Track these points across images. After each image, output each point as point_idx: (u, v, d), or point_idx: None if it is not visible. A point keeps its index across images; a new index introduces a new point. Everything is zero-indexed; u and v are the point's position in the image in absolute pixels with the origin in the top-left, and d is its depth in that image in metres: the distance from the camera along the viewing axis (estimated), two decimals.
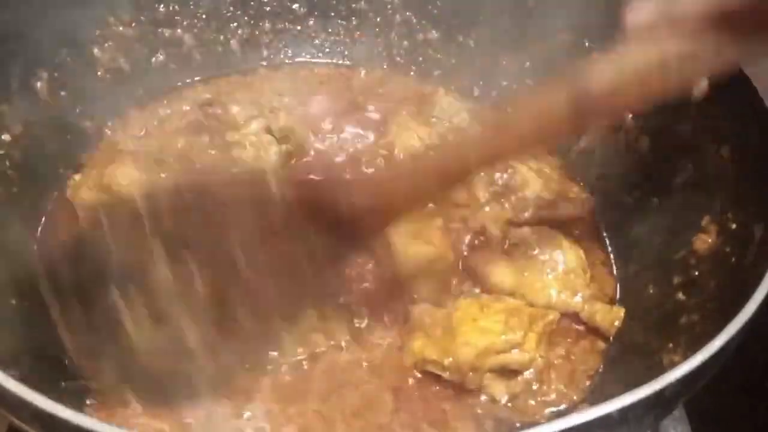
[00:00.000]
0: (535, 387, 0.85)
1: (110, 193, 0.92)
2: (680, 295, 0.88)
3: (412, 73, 1.26)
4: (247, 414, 0.82)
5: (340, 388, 0.85)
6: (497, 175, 1.04)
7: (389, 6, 1.25)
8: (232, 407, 0.82)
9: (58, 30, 1.04)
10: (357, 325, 0.91)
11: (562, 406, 0.86)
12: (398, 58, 1.27)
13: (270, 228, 0.79)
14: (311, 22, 1.28)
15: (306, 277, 0.82)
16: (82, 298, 0.78)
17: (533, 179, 1.04)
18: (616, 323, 0.91)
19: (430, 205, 1.02)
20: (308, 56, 1.28)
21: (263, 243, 0.79)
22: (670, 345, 0.82)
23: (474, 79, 1.21)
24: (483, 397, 0.85)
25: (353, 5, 1.26)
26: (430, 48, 1.25)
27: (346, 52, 1.28)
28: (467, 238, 1.00)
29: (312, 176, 0.87)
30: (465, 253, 0.98)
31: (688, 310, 0.84)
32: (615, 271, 1.00)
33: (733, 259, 0.83)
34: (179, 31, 1.21)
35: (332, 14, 1.27)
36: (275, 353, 0.86)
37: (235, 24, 1.25)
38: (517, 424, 0.84)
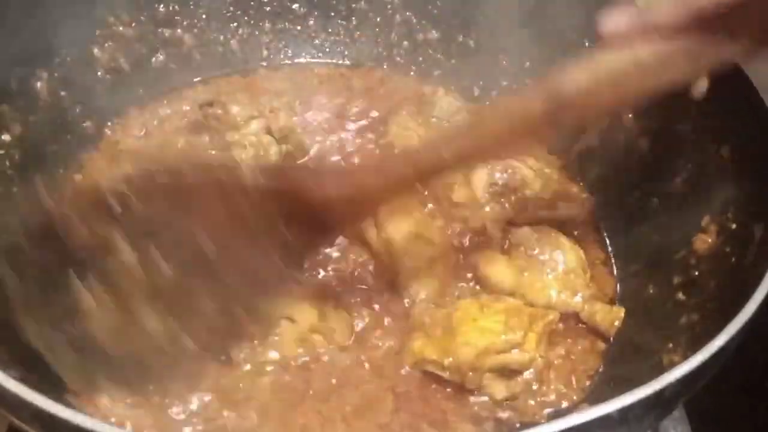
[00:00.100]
0: (534, 387, 0.85)
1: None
2: (680, 295, 0.88)
3: (412, 73, 1.26)
4: (227, 413, 0.82)
5: (340, 388, 0.85)
6: (497, 175, 1.04)
7: (389, 6, 1.25)
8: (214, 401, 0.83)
9: (58, 30, 1.04)
10: (357, 325, 0.91)
11: (562, 406, 0.86)
12: (398, 58, 1.27)
13: (240, 216, 0.78)
14: (311, 22, 1.28)
15: (273, 266, 0.81)
16: (44, 281, 0.77)
17: (533, 179, 1.04)
18: (616, 323, 0.91)
19: (430, 205, 1.03)
20: (308, 56, 1.28)
21: (232, 230, 0.79)
22: (670, 345, 0.82)
23: (474, 79, 1.21)
24: (483, 397, 0.85)
25: (353, 5, 1.26)
26: (430, 48, 1.25)
27: (346, 52, 1.28)
28: (467, 238, 1.00)
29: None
30: (465, 254, 0.98)
31: (688, 310, 0.84)
32: (615, 271, 1.00)
33: (733, 259, 0.83)
34: (179, 31, 1.21)
35: (332, 14, 1.27)
36: (276, 355, 0.86)
37: (235, 24, 1.25)
38: (517, 424, 0.84)
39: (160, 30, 1.19)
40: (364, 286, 0.94)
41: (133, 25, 1.16)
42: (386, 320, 0.92)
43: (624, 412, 0.60)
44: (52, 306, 0.77)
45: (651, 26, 0.67)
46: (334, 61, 1.28)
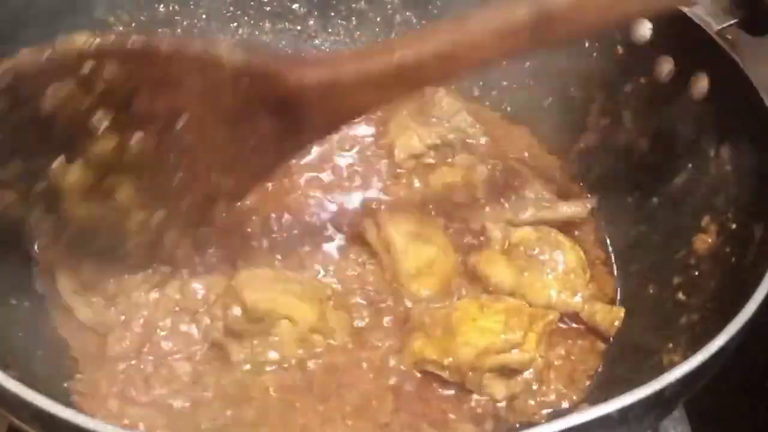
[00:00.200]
0: (534, 387, 0.85)
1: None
2: (680, 295, 0.88)
3: None
4: (227, 413, 0.82)
5: (340, 388, 0.85)
6: (497, 175, 1.04)
7: (389, 6, 1.25)
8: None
9: (59, 30, 1.04)
10: (357, 325, 0.91)
11: (562, 406, 0.86)
12: None
13: (216, 93, 0.77)
14: (311, 22, 1.28)
15: (248, 158, 0.82)
16: (23, 155, 0.78)
17: (533, 179, 1.04)
18: (616, 323, 0.91)
19: (430, 206, 1.03)
20: (308, 56, 1.28)
21: (208, 107, 0.79)
22: (670, 345, 0.82)
23: (474, 79, 1.21)
24: (483, 397, 0.85)
25: (353, 5, 1.26)
26: None
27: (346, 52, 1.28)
28: (467, 238, 1.00)
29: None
30: (465, 253, 0.98)
31: (688, 310, 0.84)
32: (615, 271, 1.00)
33: (733, 259, 0.83)
34: (179, 31, 1.21)
35: (332, 14, 1.27)
36: (276, 355, 0.86)
37: (235, 24, 1.25)
38: (517, 425, 0.84)
39: (160, 30, 1.19)
40: (364, 286, 0.94)
41: (133, 25, 1.16)
42: (386, 320, 0.91)
43: (624, 412, 0.60)
44: (31, 178, 0.78)
45: None
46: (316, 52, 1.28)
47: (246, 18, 1.25)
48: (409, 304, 0.92)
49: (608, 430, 0.60)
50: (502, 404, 0.84)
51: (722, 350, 0.65)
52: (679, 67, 0.95)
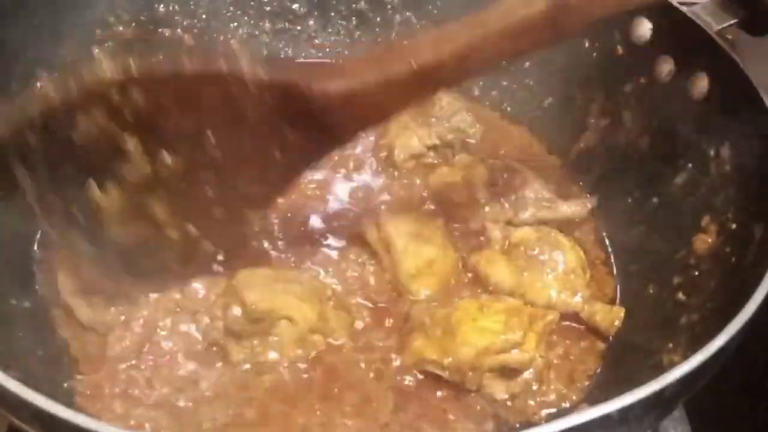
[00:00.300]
0: (534, 387, 0.85)
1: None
2: (680, 295, 0.88)
3: None
4: (228, 413, 0.82)
5: (340, 388, 0.85)
6: (497, 175, 1.04)
7: (389, 6, 1.25)
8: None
9: (58, 30, 1.04)
10: (357, 325, 0.91)
11: (562, 406, 0.86)
12: None
13: (240, 110, 0.78)
14: (311, 22, 1.28)
15: (273, 160, 0.82)
16: (59, 185, 0.79)
17: (533, 179, 1.04)
18: (616, 323, 0.91)
19: (430, 206, 1.03)
20: (308, 56, 1.28)
21: (233, 124, 0.80)
22: (670, 345, 0.82)
23: (474, 79, 1.21)
24: (483, 398, 0.85)
25: (353, 5, 1.26)
26: None
27: (346, 52, 1.28)
28: (467, 238, 1.00)
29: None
30: (465, 253, 0.98)
31: (688, 310, 0.84)
32: (615, 271, 1.01)
33: (733, 259, 0.83)
34: (179, 31, 1.21)
35: (332, 14, 1.27)
36: (276, 355, 0.86)
37: (235, 24, 1.25)
38: (517, 425, 0.84)
39: (160, 30, 1.19)
40: (364, 286, 0.94)
41: (133, 25, 1.16)
42: (386, 320, 0.92)
43: (624, 412, 0.60)
44: (65, 200, 0.79)
45: None
46: (334, 61, 1.28)
47: (246, 18, 1.25)
48: (409, 304, 0.92)
49: (608, 430, 0.60)
50: (502, 404, 0.84)
51: (722, 350, 0.65)
52: (679, 67, 0.95)
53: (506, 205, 1.02)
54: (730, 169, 0.88)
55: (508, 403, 0.84)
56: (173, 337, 0.87)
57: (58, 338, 0.88)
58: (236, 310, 0.84)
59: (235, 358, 0.85)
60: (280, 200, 0.96)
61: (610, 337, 0.91)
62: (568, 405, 0.86)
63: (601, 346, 0.92)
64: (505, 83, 1.19)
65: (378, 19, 1.26)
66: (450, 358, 0.83)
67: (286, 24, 1.27)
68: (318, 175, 1.06)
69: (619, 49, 1.02)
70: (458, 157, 1.09)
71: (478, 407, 0.84)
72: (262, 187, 0.86)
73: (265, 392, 0.84)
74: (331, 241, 0.99)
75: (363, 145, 1.12)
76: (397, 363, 0.87)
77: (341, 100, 0.78)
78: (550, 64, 1.11)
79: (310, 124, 0.79)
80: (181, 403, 0.82)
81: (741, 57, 0.88)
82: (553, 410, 0.85)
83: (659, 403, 0.63)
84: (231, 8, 1.24)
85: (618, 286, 0.99)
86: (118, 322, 0.88)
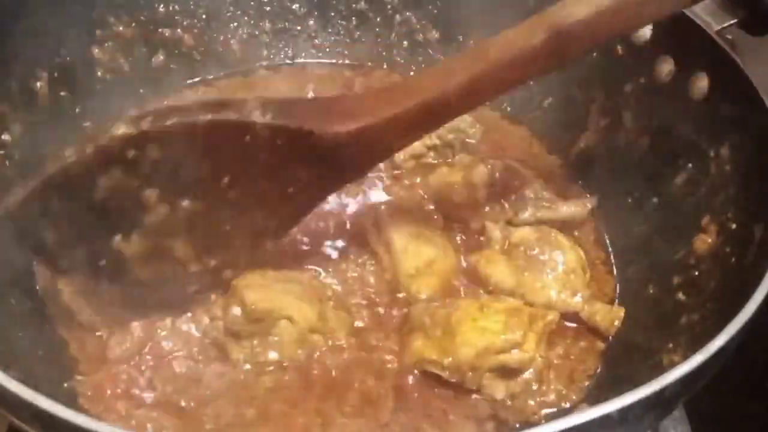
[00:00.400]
0: (534, 387, 0.85)
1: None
2: (680, 295, 0.88)
3: (411, 73, 1.26)
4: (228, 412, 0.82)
5: (340, 388, 0.85)
6: (497, 175, 1.04)
7: (389, 6, 1.25)
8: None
9: (58, 30, 1.04)
10: (357, 325, 0.91)
11: (562, 406, 0.86)
12: (398, 58, 1.27)
13: (251, 151, 0.81)
14: (311, 22, 1.28)
15: (290, 203, 0.86)
16: (84, 241, 0.82)
17: (533, 179, 1.04)
18: (616, 323, 0.91)
19: (430, 206, 1.03)
20: (308, 56, 1.28)
21: (250, 174, 0.83)
22: (670, 345, 0.82)
23: None
24: (483, 397, 0.85)
25: (353, 5, 1.26)
26: (430, 48, 1.25)
27: (346, 52, 1.28)
28: (467, 239, 1.00)
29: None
30: (465, 253, 0.98)
31: (688, 310, 0.84)
32: (615, 271, 1.01)
33: (733, 259, 0.83)
34: (179, 31, 1.21)
35: (332, 14, 1.27)
36: (276, 355, 0.86)
37: (235, 24, 1.25)
38: (517, 425, 0.84)
39: (160, 30, 1.19)
40: (364, 287, 0.94)
41: (133, 25, 1.16)
42: (386, 320, 0.92)
43: (624, 412, 0.60)
44: (90, 254, 0.83)
45: None
46: (334, 61, 1.28)
47: (246, 18, 1.26)
48: (409, 304, 0.92)
49: (608, 430, 0.60)
50: (502, 404, 0.84)
51: (722, 350, 0.65)
52: (679, 67, 0.95)
53: (506, 205, 1.02)
54: (730, 169, 0.88)
55: (508, 403, 0.84)
56: (173, 338, 0.87)
57: (58, 338, 0.88)
58: (236, 310, 0.84)
59: (235, 358, 0.86)
60: None
61: (610, 337, 0.92)
62: (568, 405, 0.86)
63: (601, 346, 0.92)
64: None
65: (378, 19, 1.26)
66: (450, 358, 0.83)
67: (286, 24, 1.27)
68: None
69: (619, 49, 1.02)
70: (458, 157, 1.09)
71: (478, 407, 0.84)
72: (278, 220, 0.88)
73: (265, 392, 0.84)
74: (331, 241, 0.99)
75: None
76: (397, 363, 0.87)
77: (350, 141, 0.80)
78: None
79: (322, 163, 0.82)
80: (183, 403, 0.82)
81: (741, 57, 0.88)
82: (553, 410, 0.85)
83: (659, 403, 0.63)
84: (231, 8, 1.25)
85: (618, 286, 0.99)
86: (119, 322, 0.88)
